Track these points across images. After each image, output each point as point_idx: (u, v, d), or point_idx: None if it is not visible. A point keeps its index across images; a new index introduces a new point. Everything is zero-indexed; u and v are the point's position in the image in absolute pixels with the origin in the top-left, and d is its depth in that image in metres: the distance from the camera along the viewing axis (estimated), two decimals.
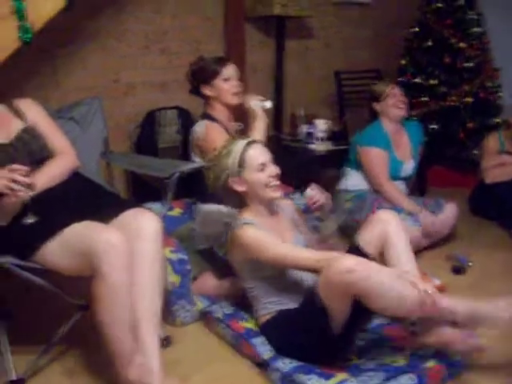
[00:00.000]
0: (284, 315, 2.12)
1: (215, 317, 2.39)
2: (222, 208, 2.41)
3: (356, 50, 4.79)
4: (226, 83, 2.67)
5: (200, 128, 2.65)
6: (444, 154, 4.32)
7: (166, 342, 2.27)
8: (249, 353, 2.18)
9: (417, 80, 4.39)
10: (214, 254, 2.58)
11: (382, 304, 1.87)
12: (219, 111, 2.70)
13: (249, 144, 2.18)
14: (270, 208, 2.25)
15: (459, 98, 4.27)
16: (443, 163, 4.31)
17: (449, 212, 3.29)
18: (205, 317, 2.47)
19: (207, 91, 2.69)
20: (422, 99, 4.31)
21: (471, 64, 4.30)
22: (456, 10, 4.38)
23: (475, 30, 4.40)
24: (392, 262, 2.14)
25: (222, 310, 2.41)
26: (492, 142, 3.71)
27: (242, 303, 2.41)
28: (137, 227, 1.96)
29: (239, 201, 2.23)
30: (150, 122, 3.58)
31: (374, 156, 3.30)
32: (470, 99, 4.26)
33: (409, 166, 3.43)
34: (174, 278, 2.43)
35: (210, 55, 2.82)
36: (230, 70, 2.69)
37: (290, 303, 2.12)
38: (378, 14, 4.80)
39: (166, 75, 3.66)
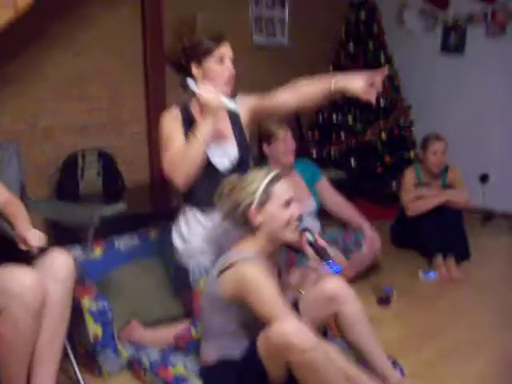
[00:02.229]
0: (225, 365, 1.97)
1: (142, 366, 2.29)
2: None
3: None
4: (219, 66, 2.39)
5: None
6: (364, 188, 4.48)
7: None
8: None
9: (334, 118, 4.58)
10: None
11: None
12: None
13: (277, 176, 2.05)
14: (275, 252, 2.09)
15: (375, 134, 4.47)
16: (364, 197, 4.44)
17: (367, 248, 3.29)
18: (132, 366, 2.37)
19: (195, 70, 2.41)
20: (340, 136, 4.49)
21: (385, 102, 4.52)
22: (368, 52, 4.64)
23: None
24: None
25: (148, 357, 2.31)
26: (410, 175, 3.85)
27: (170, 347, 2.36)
28: (50, 267, 1.94)
29: (248, 233, 2.06)
30: (70, 166, 3.49)
31: None
32: (384, 135, 4.48)
33: (310, 204, 3.32)
34: (95, 329, 2.30)
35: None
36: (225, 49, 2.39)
37: (239, 350, 1.96)
38: (295, 56, 4.93)
39: (86, 119, 3.60)
